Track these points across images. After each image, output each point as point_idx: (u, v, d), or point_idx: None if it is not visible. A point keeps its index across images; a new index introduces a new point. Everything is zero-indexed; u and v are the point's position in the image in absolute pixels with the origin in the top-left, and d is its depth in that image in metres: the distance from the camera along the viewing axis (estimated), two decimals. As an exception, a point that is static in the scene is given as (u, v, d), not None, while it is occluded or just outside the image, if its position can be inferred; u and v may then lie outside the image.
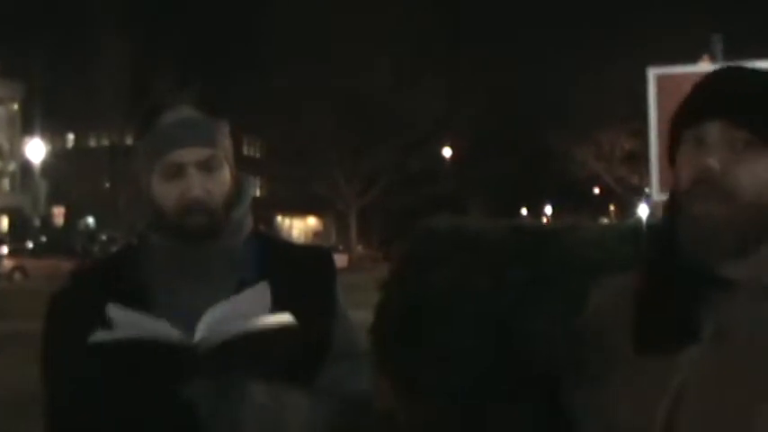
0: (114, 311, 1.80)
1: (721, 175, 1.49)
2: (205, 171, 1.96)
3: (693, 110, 1.56)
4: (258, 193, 64.88)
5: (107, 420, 1.90)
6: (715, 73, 1.61)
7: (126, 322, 1.79)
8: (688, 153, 1.55)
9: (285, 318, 1.81)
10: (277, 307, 1.86)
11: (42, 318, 2.04)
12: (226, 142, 2.03)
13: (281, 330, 1.80)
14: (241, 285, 1.93)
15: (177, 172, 1.95)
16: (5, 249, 43.00)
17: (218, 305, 1.80)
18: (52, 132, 56.38)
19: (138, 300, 1.92)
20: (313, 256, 2.18)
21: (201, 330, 1.78)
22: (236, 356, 1.80)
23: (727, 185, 1.49)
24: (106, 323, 1.81)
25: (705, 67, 6.38)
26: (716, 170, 1.49)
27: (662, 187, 5.29)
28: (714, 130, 1.52)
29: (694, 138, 1.54)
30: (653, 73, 5.49)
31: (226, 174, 2.01)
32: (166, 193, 1.97)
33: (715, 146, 1.51)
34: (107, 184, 49.41)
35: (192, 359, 1.77)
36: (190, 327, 1.80)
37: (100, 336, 1.77)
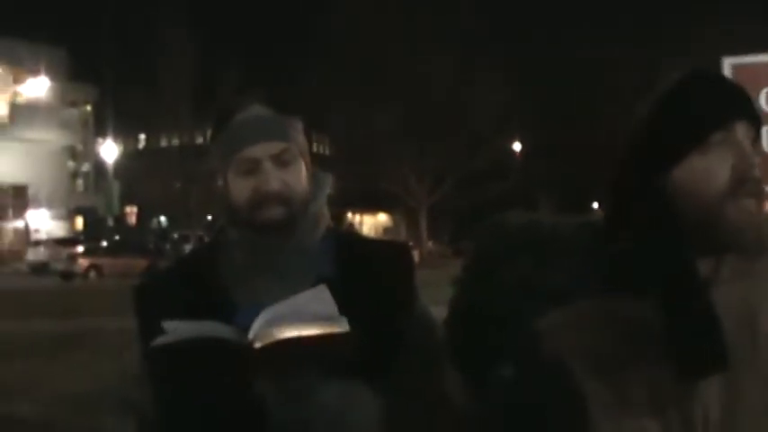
0: (169, 325, 1.81)
1: (757, 173, 1.54)
2: (280, 165, 1.97)
3: (725, 112, 1.56)
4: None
5: (177, 421, 1.93)
6: (714, 75, 1.64)
7: (182, 329, 1.80)
8: (720, 153, 1.54)
9: (340, 325, 1.79)
10: (353, 302, 1.84)
11: (119, 315, 2.06)
12: (299, 137, 2.03)
13: (336, 336, 1.78)
14: (318, 281, 1.91)
15: (252, 167, 1.96)
16: (81, 248, 43.72)
17: (275, 305, 1.80)
18: (124, 133, 57.44)
19: (216, 298, 1.93)
20: (390, 250, 2.16)
21: (255, 329, 1.78)
22: (292, 357, 1.79)
23: (761, 182, 1.54)
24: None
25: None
26: (757, 168, 1.54)
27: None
28: (742, 131, 1.56)
29: (723, 139, 1.55)
30: (728, 63, 5.38)
31: (301, 168, 2.01)
32: (242, 188, 1.97)
33: (745, 146, 1.55)
34: (178, 184, 49.98)
35: (247, 356, 1.77)
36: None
37: (159, 341, 1.79)
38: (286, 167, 1.97)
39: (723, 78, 1.62)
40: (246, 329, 1.79)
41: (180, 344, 1.78)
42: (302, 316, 1.78)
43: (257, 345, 1.77)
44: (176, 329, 1.79)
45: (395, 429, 1.94)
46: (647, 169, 1.59)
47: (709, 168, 1.54)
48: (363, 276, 2.00)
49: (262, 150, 1.96)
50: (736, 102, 1.58)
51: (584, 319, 1.60)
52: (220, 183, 2.03)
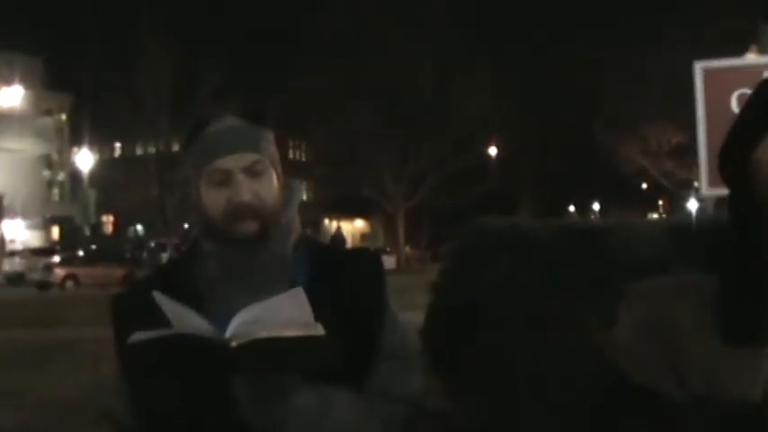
0: (161, 299, 1.84)
1: None
2: (251, 176, 1.99)
3: None
4: (305, 197, 64.89)
5: (154, 419, 1.96)
6: None
7: (171, 316, 1.83)
8: None
9: (315, 329, 1.81)
10: (326, 310, 1.86)
11: (97, 325, 2.07)
12: (271, 148, 2.06)
13: (311, 339, 1.80)
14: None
15: (224, 179, 1.98)
16: (57, 258, 43.50)
17: (251, 306, 1.82)
18: (100, 142, 57.07)
19: (193, 308, 1.94)
20: (361, 258, 2.18)
21: (232, 328, 1.80)
22: (268, 357, 1.81)
23: None
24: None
25: (752, 58, 6.31)
26: None
27: (712, 181, 5.22)
28: None
29: None
30: (699, 66, 5.41)
31: (272, 178, 2.04)
32: (215, 199, 1.99)
33: None
34: (155, 192, 49.80)
35: (224, 354, 1.79)
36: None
37: (136, 336, 1.81)
38: (258, 179, 2.00)
39: None
40: (224, 329, 1.81)
41: (158, 340, 1.80)
42: (278, 317, 1.80)
43: (234, 344, 1.79)
44: (168, 311, 1.82)
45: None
46: (735, 150, 1.62)
47: None
48: (336, 285, 2.02)
49: (234, 162, 1.98)
50: None
51: (668, 290, 1.65)
52: (193, 193, 2.05)
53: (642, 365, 1.60)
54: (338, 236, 38.96)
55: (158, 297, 1.84)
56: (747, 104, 1.65)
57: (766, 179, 1.56)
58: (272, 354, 1.80)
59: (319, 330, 1.80)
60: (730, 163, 1.63)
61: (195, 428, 1.92)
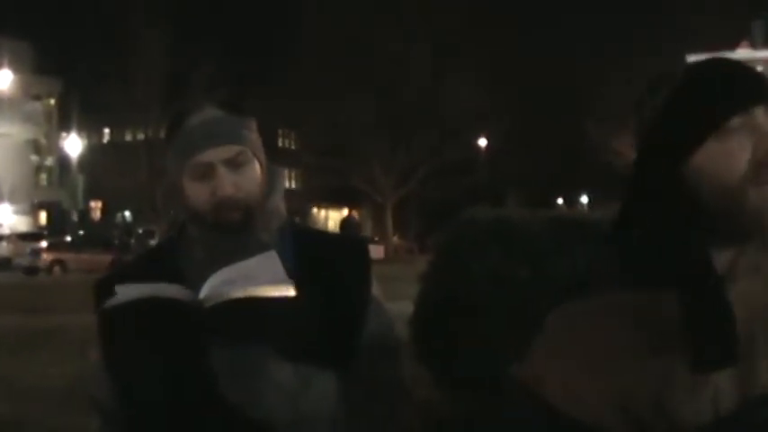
0: (120, 288, 1.85)
1: None
2: (234, 167, 1.99)
3: (744, 97, 1.52)
4: (293, 185, 65.34)
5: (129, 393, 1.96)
6: (732, 62, 1.60)
7: (133, 290, 1.84)
8: (739, 138, 1.50)
9: (288, 289, 1.83)
10: (309, 295, 1.88)
11: (84, 311, 2.06)
12: (253, 137, 2.05)
13: (285, 300, 1.83)
14: None
15: (206, 172, 1.98)
16: (45, 243, 43.39)
17: (224, 269, 1.84)
18: (89, 127, 56.95)
19: None
20: (347, 245, 2.19)
21: (205, 290, 1.82)
22: (242, 318, 1.83)
23: None
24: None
25: (744, 53, 6.29)
26: None
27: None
28: (763, 116, 1.51)
29: (742, 124, 1.50)
30: (692, 61, 5.41)
31: (255, 168, 2.03)
32: (198, 193, 1.99)
33: (767, 130, 1.50)
34: (144, 178, 49.67)
35: (197, 316, 1.81)
36: None
37: (109, 302, 1.83)
38: (240, 170, 1.99)
39: (741, 64, 1.57)
40: (198, 292, 1.83)
41: (131, 305, 1.81)
42: (251, 279, 1.83)
43: (207, 305, 1.81)
44: (128, 291, 1.83)
45: (350, 415, 1.98)
46: (665, 158, 1.56)
47: (727, 154, 1.49)
48: (321, 269, 2.02)
49: (215, 155, 1.97)
50: (755, 86, 1.53)
51: (600, 311, 1.55)
52: (177, 185, 2.05)
53: (584, 402, 1.48)
54: (351, 221, 37.74)
55: (120, 288, 1.85)
56: (670, 111, 1.58)
57: (715, 187, 1.50)
58: (245, 314, 1.82)
59: (291, 291, 1.83)
60: (657, 173, 1.57)
61: (171, 400, 1.91)
